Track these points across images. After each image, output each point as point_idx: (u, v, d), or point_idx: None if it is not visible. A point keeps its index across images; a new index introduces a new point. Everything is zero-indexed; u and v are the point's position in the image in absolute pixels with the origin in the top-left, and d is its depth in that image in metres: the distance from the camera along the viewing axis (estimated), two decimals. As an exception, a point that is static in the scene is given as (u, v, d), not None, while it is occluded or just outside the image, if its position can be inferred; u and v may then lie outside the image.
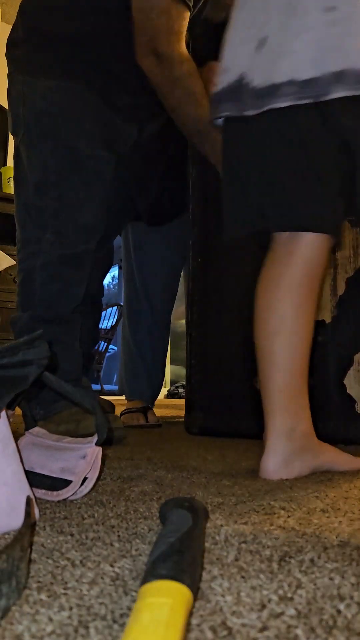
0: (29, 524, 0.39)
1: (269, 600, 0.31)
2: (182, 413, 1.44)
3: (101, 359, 4.33)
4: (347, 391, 1.11)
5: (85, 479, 0.57)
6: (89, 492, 0.61)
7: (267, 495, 0.60)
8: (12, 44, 1.17)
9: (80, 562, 0.37)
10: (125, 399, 1.66)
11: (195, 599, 0.30)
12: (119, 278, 5.47)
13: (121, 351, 1.90)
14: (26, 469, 0.57)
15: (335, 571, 0.36)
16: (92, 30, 1.12)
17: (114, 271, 5.36)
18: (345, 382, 1.11)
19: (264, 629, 0.27)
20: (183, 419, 1.41)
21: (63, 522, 0.48)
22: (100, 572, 0.35)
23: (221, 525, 0.47)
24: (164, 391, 4.50)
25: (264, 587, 0.33)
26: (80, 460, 0.57)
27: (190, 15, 1.15)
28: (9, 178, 3.18)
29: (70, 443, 0.61)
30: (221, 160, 0.85)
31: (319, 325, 1.15)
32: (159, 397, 4.83)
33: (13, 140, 1.17)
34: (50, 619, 0.28)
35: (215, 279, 1.37)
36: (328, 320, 1.15)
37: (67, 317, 1.10)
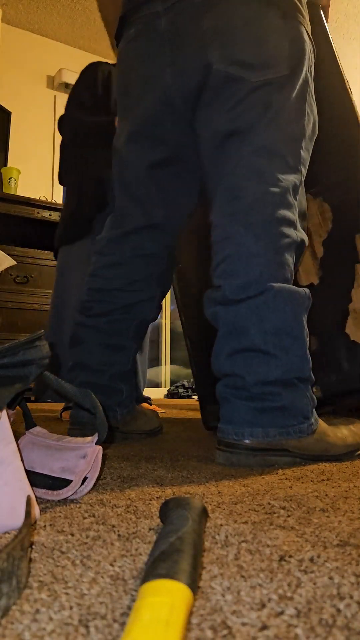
0: (29, 524, 0.39)
1: (269, 600, 0.31)
2: (182, 413, 1.44)
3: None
4: (352, 339, 1.16)
5: (85, 478, 0.57)
6: (89, 492, 0.61)
7: (267, 495, 0.60)
8: None
9: (81, 561, 0.38)
10: None
11: (195, 598, 0.30)
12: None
13: None
14: (26, 468, 0.57)
15: (335, 570, 0.36)
16: None
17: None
18: (347, 331, 1.16)
19: (263, 628, 0.27)
20: (182, 419, 1.41)
21: (63, 522, 0.48)
22: (101, 572, 0.35)
23: (221, 525, 0.47)
24: (163, 391, 4.50)
25: (264, 587, 0.33)
26: (80, 459, 0.57)
27: None
28: (9, 178, 3.19)
29: (71, 442, 0.61)
30: None
31: (310, 288, 1.22)
32: (158, 397, 4.80)
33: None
34: (51, 618, 0.28)
35: (197, 280, 1.42)
36: (316, 282, 1.23)
37: None
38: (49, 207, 3.04)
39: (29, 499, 0.43)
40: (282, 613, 0.29)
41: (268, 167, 0.89)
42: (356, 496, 0.59)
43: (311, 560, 0.38)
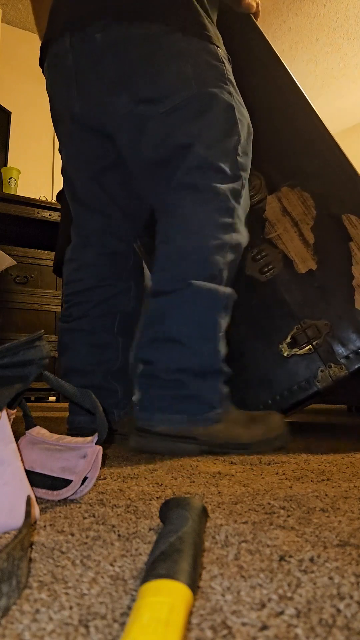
0: (29, 524, 0.39)
1: (269, 600, 0.31)
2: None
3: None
4: None
5: (85, 478, 0.57)
6: (89, 492, 0.61)
7: (267, 495, 0.60)
8: None
9: (81, 561, 0.38)
10: None
11: (195, 598, 0.30)
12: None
13: None
14: (26, 468, 0.57)
15: (335, 570, 0.36)
16: None
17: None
18: (358, 306, 1.20)
19: (263, 628, 0.27)
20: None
21: (63, 522, 0.48)
22: (101, 572, 0.35)
23: (221, 525, 0.47)
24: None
25: (264, 587, 0.33)
26: (80, 459, 0.57)
27: None
28: (9, 178, 3.19)
29: (71, 443, 0.61)
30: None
31: (310, 275, 1.27)
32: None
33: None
34: (51, 618, 0.28)
35: None
36: (314, 267, 1.25)
37: None
38: (49, 207, 3.04)
39: (29, 499, 0.43)
40: (282, 613, 0.29)
41: (202, 181, 0.94)
42: (356, 496, 0.59)
43: (311, 560, 0.38)
